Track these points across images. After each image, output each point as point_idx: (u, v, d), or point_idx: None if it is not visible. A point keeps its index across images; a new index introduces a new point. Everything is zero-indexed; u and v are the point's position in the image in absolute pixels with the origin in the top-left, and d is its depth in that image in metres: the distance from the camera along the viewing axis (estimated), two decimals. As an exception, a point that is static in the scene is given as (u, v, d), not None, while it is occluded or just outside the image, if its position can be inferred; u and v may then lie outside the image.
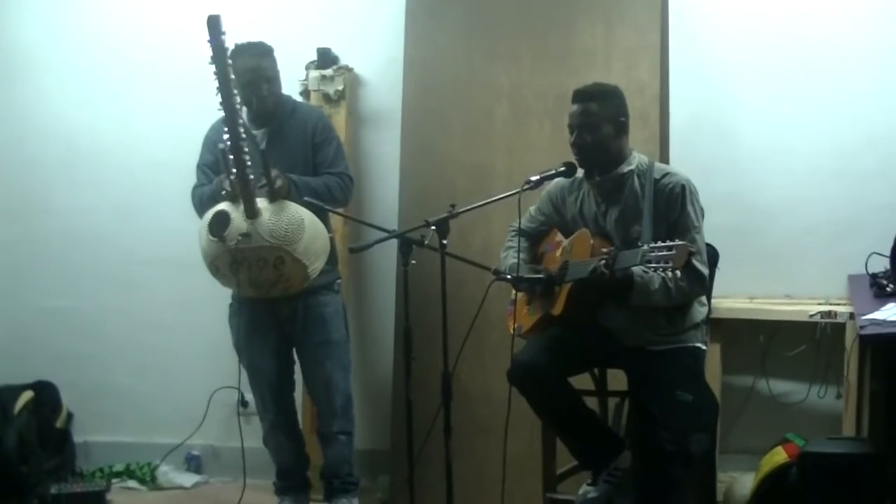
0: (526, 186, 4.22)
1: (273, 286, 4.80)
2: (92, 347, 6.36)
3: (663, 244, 3.70)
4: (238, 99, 4.67)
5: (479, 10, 5.61)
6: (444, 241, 4.08)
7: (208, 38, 4.39)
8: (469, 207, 4.21)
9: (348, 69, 5.86)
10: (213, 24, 4.39)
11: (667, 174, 4.26)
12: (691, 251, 3.74)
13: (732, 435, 5.46)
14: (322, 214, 4.89)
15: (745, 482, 4.97)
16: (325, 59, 5.86)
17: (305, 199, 4.68)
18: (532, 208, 4.66)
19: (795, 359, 5.35)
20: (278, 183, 4.75)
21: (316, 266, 4.84)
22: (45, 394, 6.14)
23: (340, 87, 5.79)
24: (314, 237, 4.80)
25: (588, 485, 4.41)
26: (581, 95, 4.31)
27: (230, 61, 4.60)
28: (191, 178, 5.18)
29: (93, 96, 6.32)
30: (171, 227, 6.06)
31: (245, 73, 4.90)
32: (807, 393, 5.42)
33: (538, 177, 4.27)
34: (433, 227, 4.06)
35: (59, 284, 6.41)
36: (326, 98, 5.81)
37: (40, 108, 6.39)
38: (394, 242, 4.23)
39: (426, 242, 4.09)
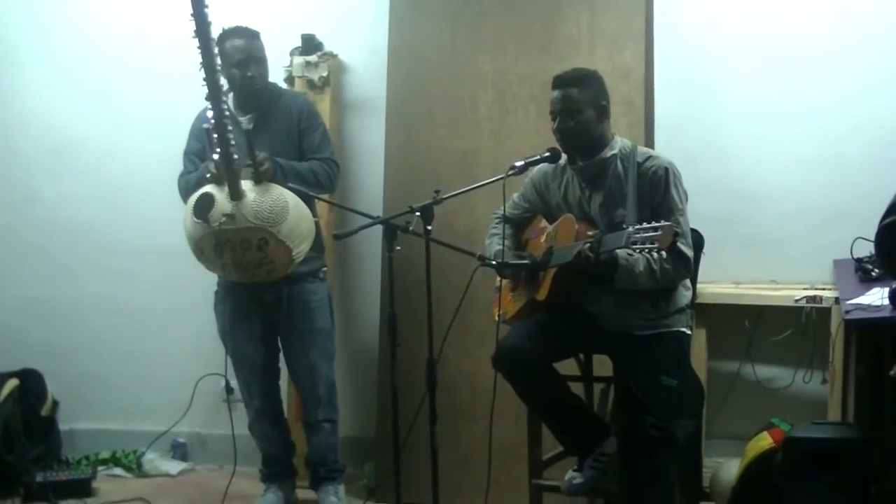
0: (510, 172, 4.21)
1: (257, 269, 4.80)
2: (77, 335, 6.36)
3: (648, 225, 3.70)
4: (226, 84, 4.73)
5: (464, -3, 5.61)
6: (429, 227, 4.05)
7: (191, 11, 4.37)
8: (453, 193, 4.19)
9: (333, 55, 5.85)
10: None
11: (650, 157, 4.25)
12: (676, 231, 3.74)
13: (718, 420, 5.46)
14: (308, 200, 4.89)
15: (731, 467, 4.97)
16: (310, 45, 5.84)
17: (289, 185, 4.67)
18: (516, 195, 4.65)
19: (781, 344, 5.35)
20: (265, 165, 4.76)
21: (301, 249, 4.85)
22: (31, 382, 6.13)
23: (325, 74, 5.77)
24: (298, 220, 4.80)
25: (574, 470, 4.42)
26: (561, 81, 4.30)
27: (218, 45, 4.65)
28: (174, 167, 5.18)
29: (76, 86, 6.30)
30: (154, 215, 6.07)
31: (235, 52, 4.96)
32: (792, 378, 5.43)
33: (523, 163, 4.27)
34: (418, 214, 4.04)
35: (43, 273, 6.39)
36: (311, 84, 5.79)
37: (23, 97, 6.37)
38: (378, 229, 4.21)
39: (411, 228, 4.07)
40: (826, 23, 5.35)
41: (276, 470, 5.38)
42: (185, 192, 5.01)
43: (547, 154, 4.30)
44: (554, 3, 5.39)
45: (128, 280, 6.28)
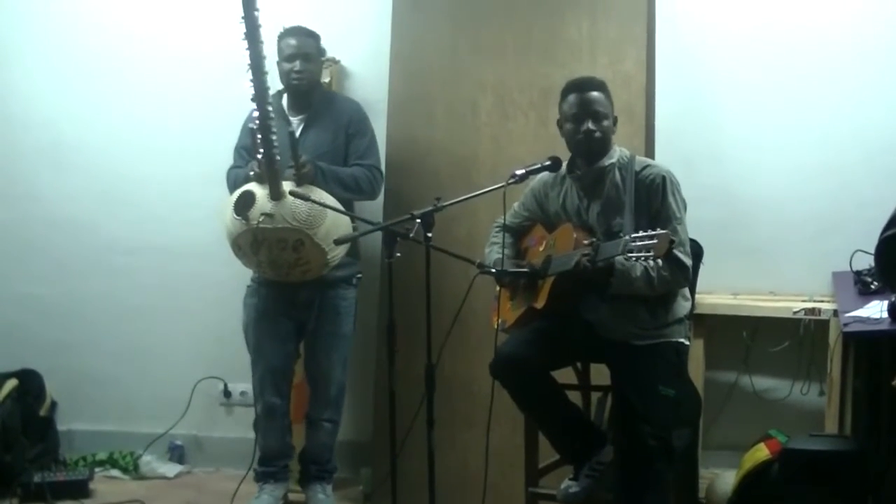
0: (511, 180, 4.18)
1: (292, 268, 4.91)
2: (76, 336, 6.34)
3: (644, 233, 3.70)
4: (279, 84, 5.01)
5: (465, 3, 5.61)
6: (429, 234, 4.03)
7: (242, 14, 4.48)
8: (454, 201, 4.17)
9: (335, 61, 5.84)
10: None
11: (647, 166, 4.26)
12: (672, 239, 3.73)
13: (715, 431, 5.47)
14: (347, 205, 4.96)
15: (727, 478, 4.97)
16: (313, 50, 5.84)
17: (319, 202, 4.68)
18: (516, 204, 4.66)
19: (779, 355, 5.35)
20: (305, 168, 4.87)
21: (336, 253, 4.93)
22: (29, 382, 6.12)
23: (327, 79, 5.76)
24: (336, 224, 4.86)
25: (570, 479, 4.43)
26: (587, 85, 4.30)
27: (277, 43, 5.04)
28: (174, 165, 5.20)
29: (76, 82, 6.28)
30: (154, 214, 6.10)
31: (286, 48, 5.20)
32: (790, 389, 5.43)
33: (524, 171, 4.23)
34: (418, 220, 4.02)
35: (43, 272, 6.37)
36: (313, 89, 5.79)
37: (23, 94, 6.35)
38: (379, 235, 4.21)
39: (411, 235, 4.06)
40: (826, 32, 5.36)
41: (272, 469, 5.37)
42: (233, 186, 5.13)
43: (548, 163, 4.29)
44: (554, 9, 5.40)
45: (127, 279, 6.26)
